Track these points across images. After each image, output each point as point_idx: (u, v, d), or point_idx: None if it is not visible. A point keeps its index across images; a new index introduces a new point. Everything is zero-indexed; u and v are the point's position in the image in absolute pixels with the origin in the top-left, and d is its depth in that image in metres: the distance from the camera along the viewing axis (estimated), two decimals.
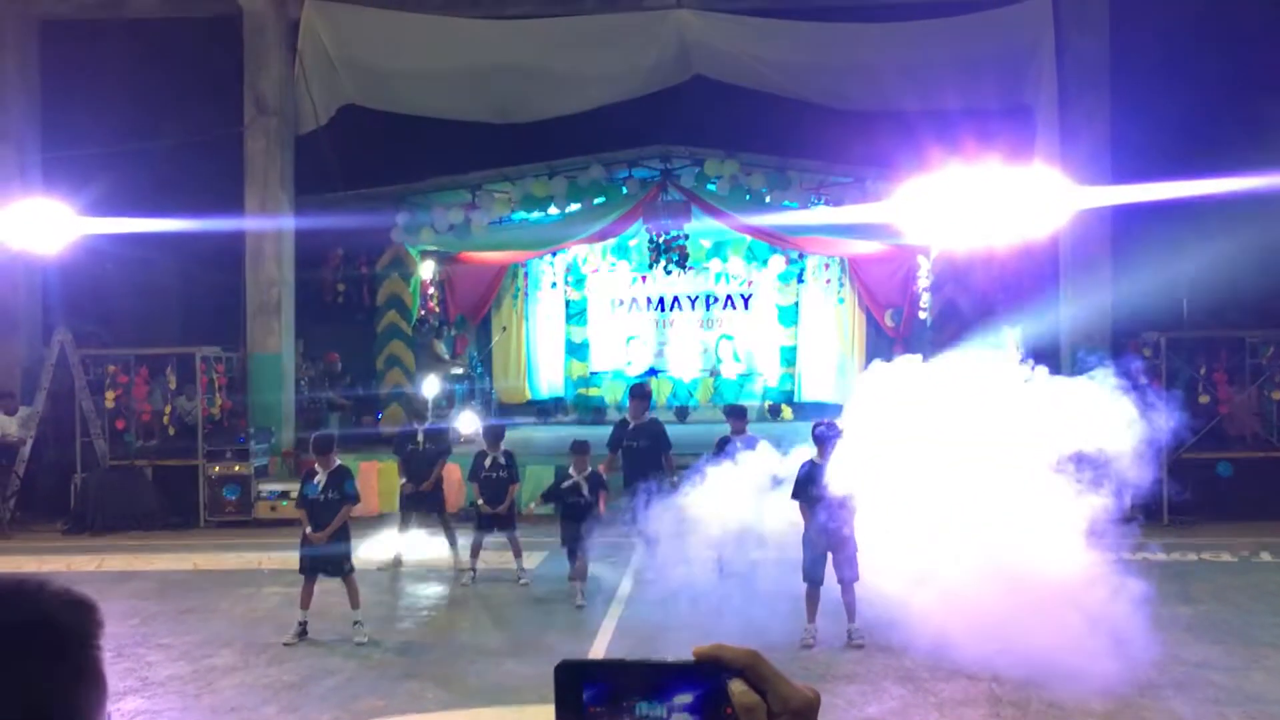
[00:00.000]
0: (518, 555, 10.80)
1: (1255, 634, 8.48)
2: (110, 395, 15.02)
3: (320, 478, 8.87)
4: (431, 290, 19.30)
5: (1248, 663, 7.78)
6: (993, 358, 6.46)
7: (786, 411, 20.23)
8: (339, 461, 9.14)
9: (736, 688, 0.95)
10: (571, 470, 9.91)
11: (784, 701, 0.95)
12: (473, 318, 20.85)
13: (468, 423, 16.51)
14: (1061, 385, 6.36)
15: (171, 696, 7.39)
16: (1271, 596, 9.75)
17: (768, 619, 8.15)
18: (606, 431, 11.88)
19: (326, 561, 8.82)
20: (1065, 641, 7.08)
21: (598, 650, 8.17)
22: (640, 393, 11.71)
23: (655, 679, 0.95)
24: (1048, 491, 6.44)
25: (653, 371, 21.21)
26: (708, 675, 0.95)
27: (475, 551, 10.82)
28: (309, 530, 8.79)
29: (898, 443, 6.50)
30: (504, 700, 7.25)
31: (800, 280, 20.99)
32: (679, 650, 0.99)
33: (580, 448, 10.02)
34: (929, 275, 17.75)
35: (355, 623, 8.72)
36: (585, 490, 9.81)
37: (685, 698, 0.94)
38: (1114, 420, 6.25)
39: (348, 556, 8.93)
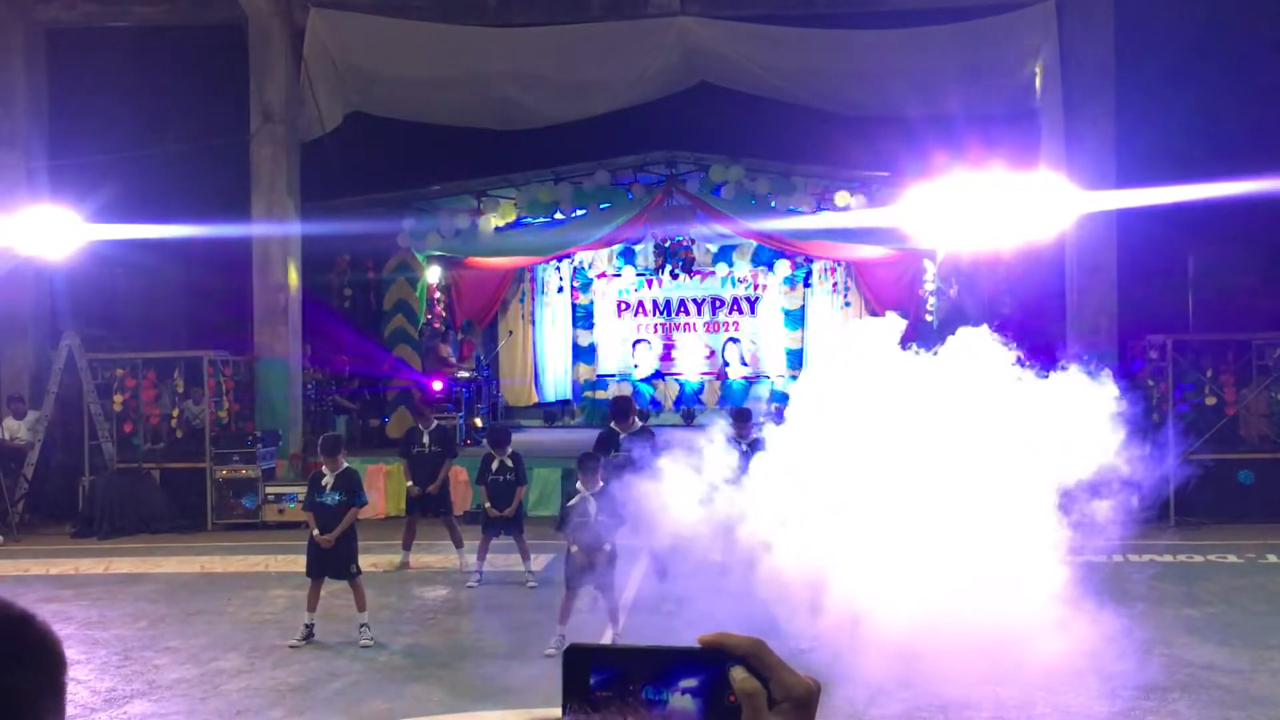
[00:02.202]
0: (525, 558, 10.83)
1: (1262, 636, 8.46)
2: (118, 399, 15.08)
3: (328, 480, 8.91)
4: (438, 295, 19.34)
5: (1254, 665, 7.77)
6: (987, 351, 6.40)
7: None
8: (346, 464, 9.18)
9: (738, 674, 0.95)
10: (579, 485, 8.59)
11: (786, 689, 0.96)
12: (479, 322, 20.89)
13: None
14: (1063, 383, 6.36)
15: (178, 699, 7.42)
16: (1278, 598, 9.73)
17: (768, 619, 8.14)
18: None
19: (333, 564, 8.85)
20: (1069, 645, 7.07)
21: None
22: (618, 406, 10.78)
23: (660, 664, 0.96)
24: (1051, 492, 6.43)
25: (658, 374, 21.25)
26: (712, 661, 0.96)
27: (482, 554, 10.85)
28: (316, 533, 8.83)
29: (883, 437, 6.48)
30: (510, 703, 7.26)
31: (806, 284, 21.03)
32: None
33: (588, 464, 8.64)
34: (935, 279, 17.75)
35: (361, 625, 8.75)
36: (592, 509, 8.32)
37: (689, 682, 0.95)
38: (1119, 421, 6.24)
39: (354, 559, 8.96)
